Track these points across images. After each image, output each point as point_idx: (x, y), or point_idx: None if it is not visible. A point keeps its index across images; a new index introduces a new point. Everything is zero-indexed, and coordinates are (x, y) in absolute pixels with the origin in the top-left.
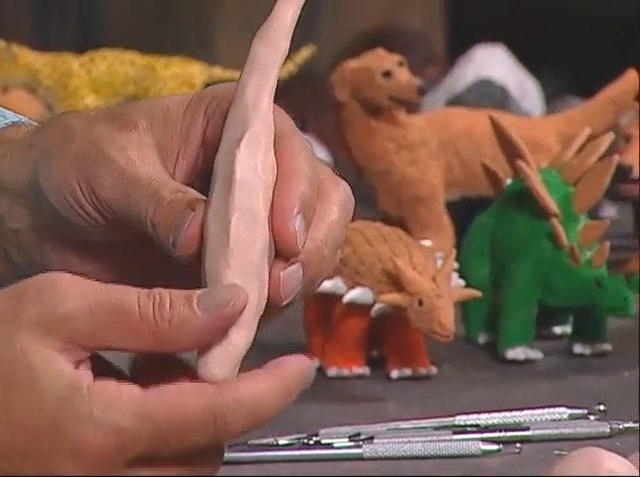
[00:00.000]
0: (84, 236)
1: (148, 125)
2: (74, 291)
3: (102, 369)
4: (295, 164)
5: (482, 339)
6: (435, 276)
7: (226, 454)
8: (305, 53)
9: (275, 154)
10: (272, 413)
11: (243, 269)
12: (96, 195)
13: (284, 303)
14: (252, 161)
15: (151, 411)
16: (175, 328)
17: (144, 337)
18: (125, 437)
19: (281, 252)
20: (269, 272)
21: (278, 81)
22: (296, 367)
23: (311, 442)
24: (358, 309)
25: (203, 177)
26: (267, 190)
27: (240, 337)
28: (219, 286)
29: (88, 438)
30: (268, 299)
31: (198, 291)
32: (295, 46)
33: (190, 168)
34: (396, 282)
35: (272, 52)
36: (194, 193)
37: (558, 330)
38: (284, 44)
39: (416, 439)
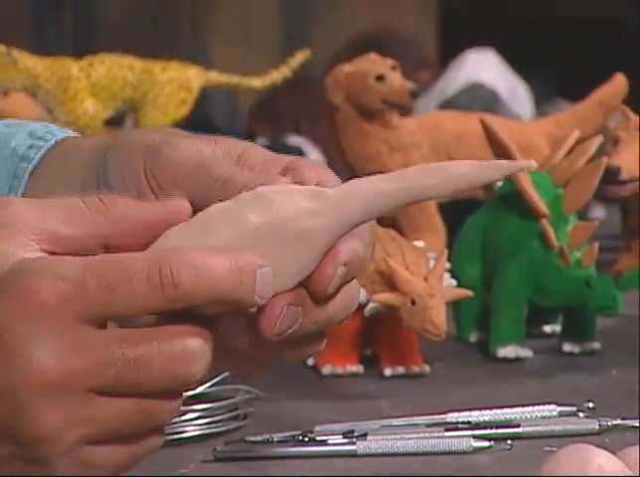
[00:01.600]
0: None
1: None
2: (22, 206)
3: None
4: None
5: (473, 338)
6: (428, 276)
7: (221, 451)
8: (300, 57)
9: None
10: (225, 286)
11: None
12: (159, 168)
13: (273, 336)
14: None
15: (94, 262)
16: (121, 212)
17: (96, 222)
18: (68, 285)
19: (308, 288)
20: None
21: (273, 85)
22: (251, 260)
23: (306, 439)
24: None
25: None
26: None
27: None
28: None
29: (31, 287)
30: (260, 328)
31: None
32: (290, 50)
33: None
34: (389, 282)
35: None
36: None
37: (547, 329)
38: None
39: (409, 436)
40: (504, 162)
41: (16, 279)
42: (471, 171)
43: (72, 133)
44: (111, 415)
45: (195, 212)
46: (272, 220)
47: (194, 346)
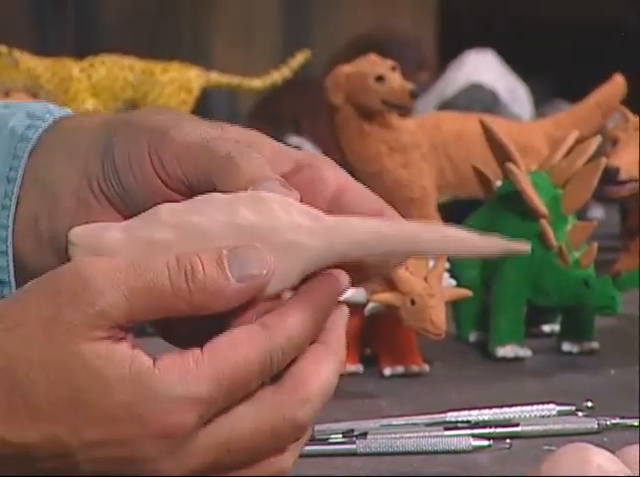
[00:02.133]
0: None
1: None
2: (105, 282)
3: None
4: None
5: (473, 337)
6: (427, 276)
7: None
8: (300, 58)
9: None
10: (310, 338)
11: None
12: (166, 152)
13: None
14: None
15: (220, 372)
16: (209, 297)
17: (180, 309)
18: (204, 405)
19: None
20: None
21: (273, 86)
22: (324, 288)
23: None
24: (351, 308)
25: None
26: None
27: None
28: (246, 248)
29: (174, 416)
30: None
31: (225, 252)
32: (290, 51)
33: None
34: (388, 282)
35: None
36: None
37: (546, 328)
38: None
39: (409, 435)
40: (501, 242)
41: (150, 406)
42: (467, 238)
43: (70, 112)
44: None
45: (196, 195)
46: (265, 223)
47: (303, 419)
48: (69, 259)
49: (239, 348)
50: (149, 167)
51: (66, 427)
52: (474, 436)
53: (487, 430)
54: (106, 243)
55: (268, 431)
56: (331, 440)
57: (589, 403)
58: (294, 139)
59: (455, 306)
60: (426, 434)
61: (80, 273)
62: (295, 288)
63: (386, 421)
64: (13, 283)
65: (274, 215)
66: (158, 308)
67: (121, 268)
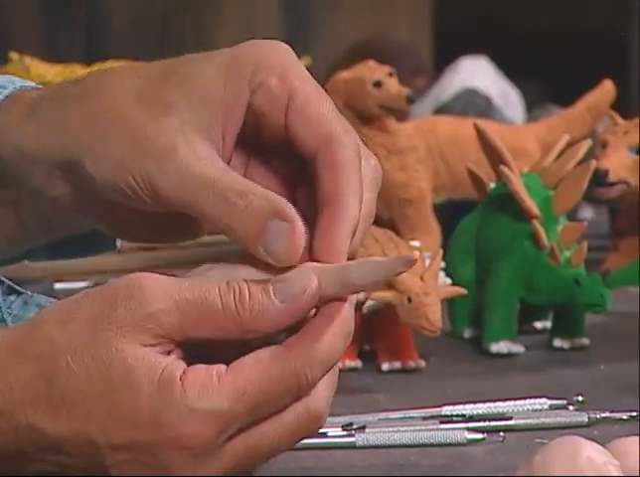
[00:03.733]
0: (130, 206)
1: (187, 105)
2: (160, 291)
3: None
4: (347, 183)
5: (467, 334)
6: (423, 275)
7: None
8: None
9: (327, 163)
10: (340, 354)
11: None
12: (157, 192)
13: None
14: None
15: (242, 389)
16: (256, 317)
17: (228, 327)
18: (224, 419)
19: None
20: None
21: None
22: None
23: None
24: None
25: (246, 149)
26: None
27: None
28: (292, 274)
29: (191, 428)
30: None
31: (272, 279)
32: None
33: (234, 142)
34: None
35: None
36: (269, 196)
37: (538, 325)
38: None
39: (405, 429)
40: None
41: (172, 416)
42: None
43: (32, 84)
44: None
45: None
46: None
47: (319, 410)
48: None
49: (260, 364)
50: (138, 189)
51: (97, 427)
52: (469, 429)
53: (481, 424)
54: None
55: (289, 435)
56: (330, 434)
57: (580, 398)
58: None
59: (450, 304)
60: (422, 428)
61: (138, 282)
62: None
63: (383, 415)
64: None
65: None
66: (208, 324)
67: (177, 282)
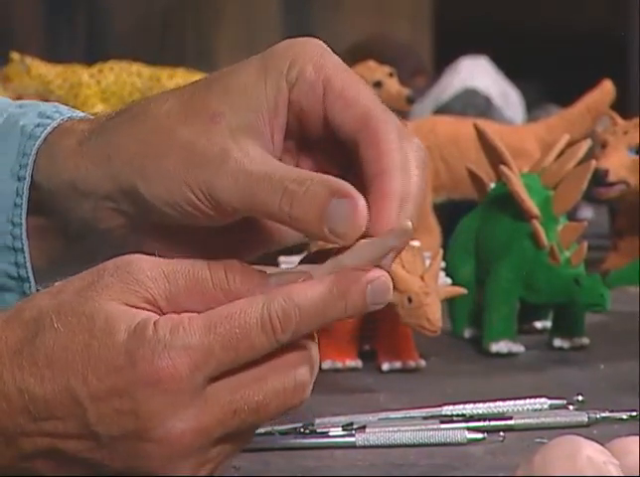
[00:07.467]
0: (189, 223)
1: (232, 112)
2: (148, 264)
3: None
4: (392, 161)
5: (467, 333)
6: (424, 275)
7: None
8: None
9: (369, 145)
10: (328, 315)
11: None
12: (216, 199)
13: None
14: None
15: (213, 324)
16: (246, 289)
17: (216, 298)
18: (197, 353)
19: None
20: None
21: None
22: (353, 277)
23: (307, 431)
24: None
25: (294, 144)
26: None
27: None
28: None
29: (165, 361)
30: None
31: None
32: None
33: (283, 137)
34: None
35: None
36: (324, 178)
37: (538, 325)
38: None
39: (406, 428)
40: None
41: (145, 352)
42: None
43: (80, 114)
44: (230, 451)
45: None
46: None
47: (303, 377)
48: None
49: (234, 305)
50: (198, 203)
51: (77, 378)
52: (469, 429)
53: (481, 423)
54: None
55: (274, 396)
56: (331, 433)
57: (580, 397)
58: None
59: (450, 304)
60: (423, 427)
61: (126, 258)
62: None
63: (384, 415)
64: (32, 279)
65: None
66: (196, 293)
67: (165, 259)
